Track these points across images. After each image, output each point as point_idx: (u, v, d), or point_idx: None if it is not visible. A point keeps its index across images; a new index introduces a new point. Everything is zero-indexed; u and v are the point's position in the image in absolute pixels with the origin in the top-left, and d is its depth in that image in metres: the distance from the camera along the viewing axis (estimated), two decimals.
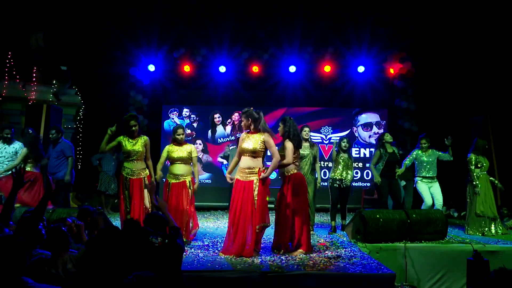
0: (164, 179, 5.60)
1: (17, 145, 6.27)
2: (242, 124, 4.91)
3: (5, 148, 6.22)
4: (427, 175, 6.48)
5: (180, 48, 9.67)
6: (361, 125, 10.27)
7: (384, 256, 4.93)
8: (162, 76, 9.95)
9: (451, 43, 8.94)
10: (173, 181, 5.36)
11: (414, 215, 5.48)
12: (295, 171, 4.96)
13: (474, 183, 6.28)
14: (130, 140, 5.15)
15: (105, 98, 9.36)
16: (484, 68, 8.63)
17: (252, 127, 4.75)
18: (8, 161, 6.17)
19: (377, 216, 5.35)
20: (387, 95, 10.21)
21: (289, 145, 4.84)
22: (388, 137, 6.56)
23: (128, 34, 9.26)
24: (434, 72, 9.38)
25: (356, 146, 9.94)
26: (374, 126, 10.23)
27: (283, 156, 4.81)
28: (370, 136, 10.18)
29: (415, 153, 6.57)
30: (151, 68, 9.69)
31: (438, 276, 5.00)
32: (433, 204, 6.41)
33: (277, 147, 4.84)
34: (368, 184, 9.51)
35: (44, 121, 7.58)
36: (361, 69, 9.75)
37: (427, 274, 4.99)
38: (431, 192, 6.47)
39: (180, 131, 5.43)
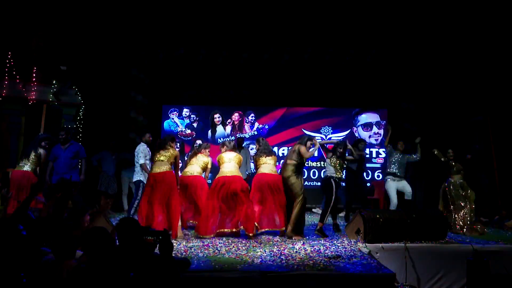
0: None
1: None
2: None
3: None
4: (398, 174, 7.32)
5: (180, 48, 9.67)
6: (361, 125, 10.27)
7: (384, 256, 4.93)
8: (162, 76, 9.94)
9: (451, 43, 8.94)
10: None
11: (414, 215, 5.49)
12: None
13: None
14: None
15: (105, 98, 9.36)
16: (484, 68, 8.63)
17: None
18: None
19: (377, 216, 5.35)
20: (387, 95, 10.22)
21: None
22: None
23: (128, 34, 9.25)
24: (434, 72, 9.37)
25: None
26: (374, 126, 10.24)
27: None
28: (370, 136, 10.19)
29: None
30: (151, 68, 9.69)
31: (438, 276, 5.00)
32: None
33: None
34: (369, 184, 9.51)
35: (44, 121, 7.58)
36: (360, 69, 9.73)
37: (427, 274, 4.99)
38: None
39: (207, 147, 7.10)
